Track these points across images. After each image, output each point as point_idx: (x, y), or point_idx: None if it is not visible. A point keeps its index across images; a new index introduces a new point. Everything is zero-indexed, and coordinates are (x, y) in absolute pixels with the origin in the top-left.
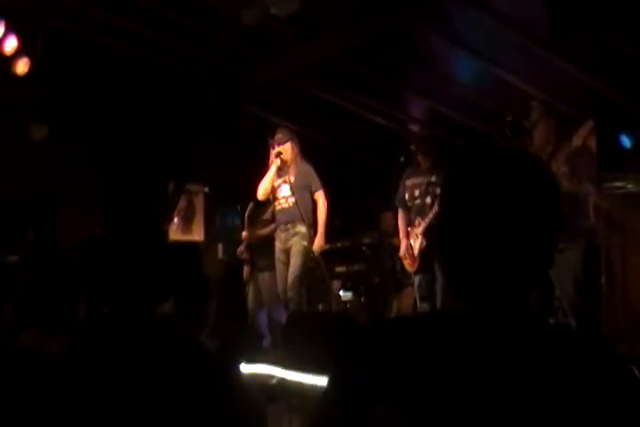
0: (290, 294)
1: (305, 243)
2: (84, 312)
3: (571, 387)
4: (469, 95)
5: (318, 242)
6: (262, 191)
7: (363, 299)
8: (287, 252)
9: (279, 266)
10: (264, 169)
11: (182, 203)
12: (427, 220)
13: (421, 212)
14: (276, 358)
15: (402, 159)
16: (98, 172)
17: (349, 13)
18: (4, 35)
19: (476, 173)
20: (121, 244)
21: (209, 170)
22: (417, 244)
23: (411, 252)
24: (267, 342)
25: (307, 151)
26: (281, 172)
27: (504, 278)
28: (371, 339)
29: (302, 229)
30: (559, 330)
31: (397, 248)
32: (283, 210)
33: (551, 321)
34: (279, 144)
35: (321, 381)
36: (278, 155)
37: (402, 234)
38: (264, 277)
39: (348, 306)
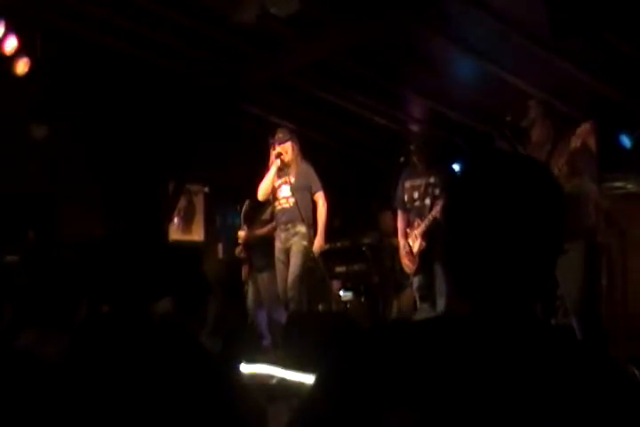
0: (290, 293)
1: (305, 243)
2: (84, 312)
3: (572, 391)
4: (469, 95)
5: (318, 242)
6: (263, 192)
7: (363, 299)
8: (287, 252)
9: (279, 266)
10: (264, 169)
11: (182, 203)
12: (426, 221)
13: (421, 213)
14: (276, 358)
15: (402, 159)
16: (98, 172)
17: (349, 13)
18: (4, 35)
19: (481, 178)
20: (121, 243)
21: (209, 170)
22: (416, 245)
23: (408, 249)
24: (267, 342)
25: (307, 151)
26: (281, 172)
27: (510, 283)
28: (377, 344)
29: (302, 229)
30: (562, 335)
31: (397, 248)
32: (283, 210)
33: (552, 321)
34: (279, 144)
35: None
36: (279, 155)
37: (401, 235)
38: (263, 277)
39: (348, 306)
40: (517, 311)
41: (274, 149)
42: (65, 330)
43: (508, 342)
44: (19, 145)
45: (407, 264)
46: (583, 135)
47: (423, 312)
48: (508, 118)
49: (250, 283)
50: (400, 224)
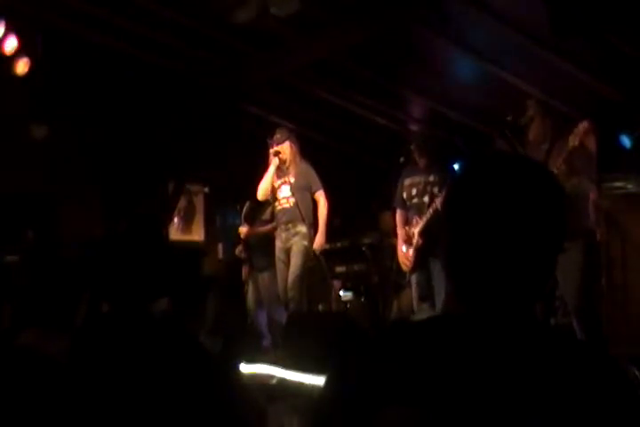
0: (290, 293)
1: (305, 243)
2: (84, 312)
3: (569, 389)
4: (469, 95)
5: (319, 240)
6: (262, 192)
7: (363, 299)
8: (288, 251)
9: (279, 265)
10: (264, 169)
11: (182, 203)
12: (424, 218)
13: (419, 211)
14: (276, 358)
15: (402, 159)
16: (98, 172)
17: (349, 13)
18: (4, 35)
19: (481, 178)
20: (121, 243)
21: (209, 170)
22: (414, 242)
23: (407, 244)
24: (267, 342)
25: (307, 151)
26: (280, 172)
27: (509, 282)
28: (379, 343)
29: (303, 229)
30: (561, 334)
31: (397, 248)
32: (283, 210)
33: (552, 321)
34: (277, 144)
35: (321, 381)
36: (276, 154)
37: (399, 233)
38: (264, 277)
39: (348, 306)
40: (515, 310)
41: (272, 149)
42: (65, 330)
43: (504, 340)
44: (19, 145)
45: (404, 262)
46: (581, 134)
47: (423, 312)
48: (509, 118)
49: (250, 283)
50: (398, 222)
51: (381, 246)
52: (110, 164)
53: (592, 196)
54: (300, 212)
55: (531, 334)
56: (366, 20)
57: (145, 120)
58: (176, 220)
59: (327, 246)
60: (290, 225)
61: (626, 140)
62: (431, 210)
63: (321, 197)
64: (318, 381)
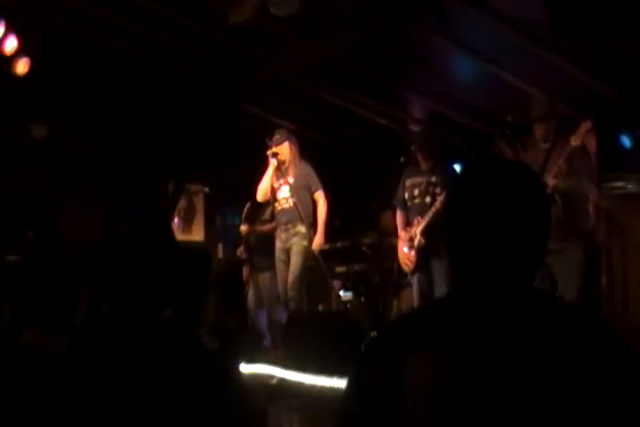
0: (290, 293)
1: (305, 243)
2: (84, 312)
3: (569, 349)
4: (469, 95)
5: (318, 240)
6: (261, 193)
7: (363, 299)
8: (288, 251)
9: (280, 266)
10: (264, 169)
11: (182, 203)
12: (426, 218)
13: (421, 211)
14: (276, 358)
15: (402, 159)
16: (98, 172)
17: (349, 13)
18: (4, 35)
19: (481, 178)
20: (121, 244)
21: (209, 170)
22: (415, 242)
23: (409, 245)
24: (267, 342)
25: (307, 151)
26: (279, 173)
27: (504, 260)
28: (402, 319)
29: (302, 229)
30: (559, 301)
31: (397, 248)
32: (283, 210)
33: None
34: (276, 145)
35: (321, 381)
36: (275, 155)
37: (400, 234)
38: (264, 277)
39: (348, 306)
40: (513, 283)
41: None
42: (65, 330)
43: (513, 302)
44: (19, 145)
45: (405, 263)
46: (583, 135)
47: None
48: (509, 118)
49: (251, 283)
50: (399, 222)
51: (381, 246)
52: (110, 164)
53: (592, 196)
54: (299, 212)
55: (530, 299)
56: (366, 20)
57: (145, 120)
58: (176, 220)
59: (327, 246)
60: (289, 225)
61: (626, 141)
62: (433, 209)
63: (320, 197)
64: (318, 381)
